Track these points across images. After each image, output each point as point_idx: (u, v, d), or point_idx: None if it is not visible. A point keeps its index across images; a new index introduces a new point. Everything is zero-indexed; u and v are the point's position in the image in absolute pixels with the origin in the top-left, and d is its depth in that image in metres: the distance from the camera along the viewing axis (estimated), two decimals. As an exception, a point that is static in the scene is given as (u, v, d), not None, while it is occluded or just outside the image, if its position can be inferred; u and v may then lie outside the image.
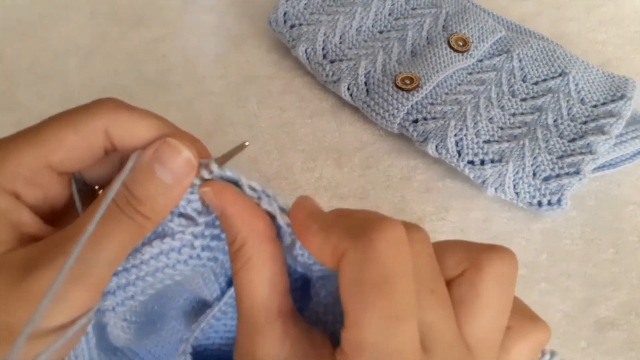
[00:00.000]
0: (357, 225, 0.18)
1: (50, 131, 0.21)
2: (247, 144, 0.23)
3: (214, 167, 0.21)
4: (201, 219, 0.21)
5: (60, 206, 0.23)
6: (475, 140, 0.38)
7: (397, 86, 0.39)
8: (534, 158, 0.37)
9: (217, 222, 0.22)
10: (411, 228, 0.18)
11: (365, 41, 0.43)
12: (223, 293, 0.23)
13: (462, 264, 0.19)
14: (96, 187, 0.23)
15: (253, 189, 0.20)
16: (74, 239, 0.19)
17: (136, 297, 0.22)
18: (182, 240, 0.21)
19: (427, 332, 0.17)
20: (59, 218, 0.23)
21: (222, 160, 0.22)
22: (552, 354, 0.21)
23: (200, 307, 0.24)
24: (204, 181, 0.21)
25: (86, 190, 0.23)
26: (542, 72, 0.41)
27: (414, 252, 0.18)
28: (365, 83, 0.40)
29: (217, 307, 0.23)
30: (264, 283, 0.19)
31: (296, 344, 0.19)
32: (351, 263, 0.17)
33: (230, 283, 0.23)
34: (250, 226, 0.20)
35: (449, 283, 0.19)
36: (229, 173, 0.21)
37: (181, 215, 0.21)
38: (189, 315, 0.24)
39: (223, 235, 0.22)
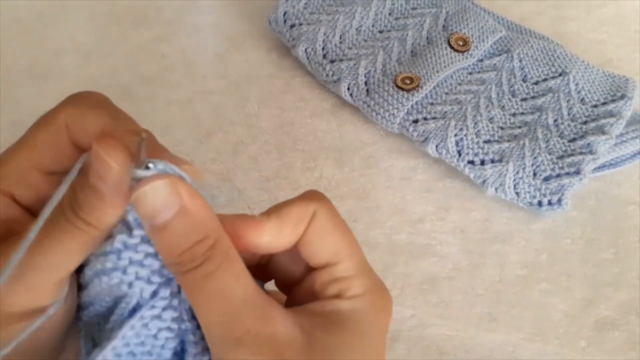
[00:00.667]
0: (305, 197, 0.22)
1: (29, 133, 0.22)
2: (144, 135, 0.20)
3: (152, 165, 0.19)
4: (136, 232, 0.20)
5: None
6: (476, 140, 0.38)
7: (397, 86, 0.39)
8: (534, 158, 0.37)
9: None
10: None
11: (366, 41, 0.43)
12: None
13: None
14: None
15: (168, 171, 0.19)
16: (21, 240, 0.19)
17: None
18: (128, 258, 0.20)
19: None
20: None
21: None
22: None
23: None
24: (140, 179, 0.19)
25: None
26: (542, 71, 0.41)
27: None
28: (366, 83, 0.40)
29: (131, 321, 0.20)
30: (246, 274, 0.20)
31: (289, 313, 0.21)
32: (327, 215, 0.22)
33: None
34: (216, 219, 0.19)
35: None
36: (159, 166, 0.19)
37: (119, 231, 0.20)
38: None
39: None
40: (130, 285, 0.20)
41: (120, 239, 0.20)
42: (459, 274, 0.35)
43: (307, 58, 0.42)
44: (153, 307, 0.20)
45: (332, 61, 0.41)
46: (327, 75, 0.41)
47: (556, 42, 0.43)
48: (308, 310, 0.21)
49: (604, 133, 0.37)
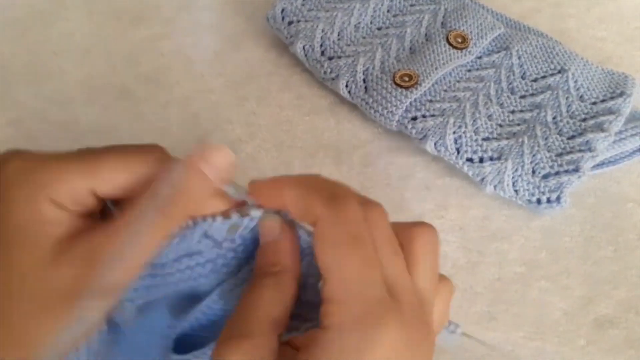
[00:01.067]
0: (328, 194, 0.22)
1: (105, 166, 0.23)
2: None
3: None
4: (225, 244, 0.24)
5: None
6: (474, 137, 0.37)
7: (395, 83, 0.39)
8: (533, 155, 0.37)
9: (239, 249, 0.24)
10: (370, 203, 0.23)
11: (364, 38, 0.43)
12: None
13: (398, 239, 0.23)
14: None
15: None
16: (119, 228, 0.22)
17: (151, 290, 0.24)
18: (208, 257, 0.24)
19: (393, 284, 0.21)
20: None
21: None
22: (456, 325, 0.25)
23: (188, 303, 0.25)
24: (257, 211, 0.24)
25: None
26: (541, 69, 0.41)
27: (374, 220, 0.22)
28: (364, 80, 0.40)
29: (206, 301, 0.24)
30: (283, 307, 0.22)
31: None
32: (328, 224, 0.21)
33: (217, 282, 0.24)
34: (296, 263, 0.23)
35: None
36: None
37: (206, 236, 0.23)
38: (175, 308, 0.25)
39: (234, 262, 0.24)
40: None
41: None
42: (458, 272, 0.35)
43: (305, 55, 0.41)
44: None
45: (330, 58, 0.41)
46: (325, 72, 0.41)
47: (555, 39, 0.43)
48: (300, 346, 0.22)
49: (603, 130, 0.37)
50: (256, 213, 0.23)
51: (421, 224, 0.24)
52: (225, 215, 0.23)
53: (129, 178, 0.23)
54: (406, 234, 0.23)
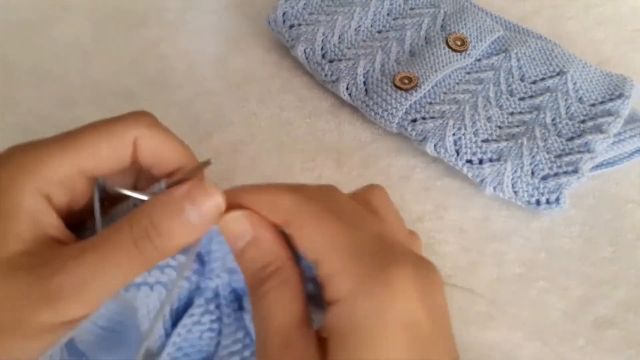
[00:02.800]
0: (290, 186, 0.22)
1: (87, 140, 0.22)
2: (212, 161, 0.23)
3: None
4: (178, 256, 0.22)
5: (80, 207, 0.23)
6: (474, 139, 0.38)
7: (395, 86, 0.40)
8: (533, 157, 0.37)
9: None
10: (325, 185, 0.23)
11: (364, 41, 0.43)
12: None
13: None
14: (120, 189, 0.23)
15: None
16: (86, 253, 0.20)
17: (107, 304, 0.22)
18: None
19: (392, 236, 0.21)
20: (77, 217, 0.23)
21: (189, 175, 0.22)
22: None
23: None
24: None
25: (105, 193, 0.23)
26: (540, 71, 0.41)
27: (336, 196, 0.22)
28: (364, 83, 0.41)
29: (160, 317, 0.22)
30: (300, 299, 0.21)
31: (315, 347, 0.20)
32: (299, 206, 0.21)
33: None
34: (286, 249, 0.21)
35: None
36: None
37: None
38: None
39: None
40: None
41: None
42: (457, 273, 0.35)
43: (306, 58, 0.42)
44: (192, 315, 0.22)
45: (330, 61, 0.41)
46: (326, 75, 0.41)
47: (554, 41, 0.43)
48: (327, 336, 0.20)
49: (601, 132, 0.37)
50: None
51: (369, 187, 0.25)
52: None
53: (115, 149, 0.22)
54: (361, 198, 0.23)
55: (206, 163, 0.23)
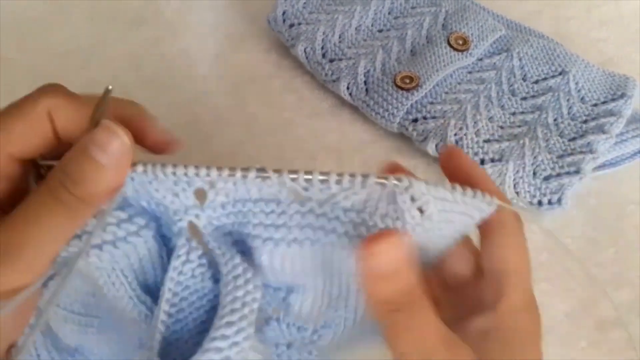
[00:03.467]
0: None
1: (1, 124, 0.22)
2: (110, 87, 0.23)
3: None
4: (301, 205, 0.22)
5: (21, 191, 0.23)
6: (475, 139, 0.38)
7: (396, 85, 0.39)
8: (534, 157, 0.37)
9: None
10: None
11: (365, 40, 0.43)
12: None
13: None
14: (43, 161, 0.23)
15: None
16: (12, 221, 0.20)
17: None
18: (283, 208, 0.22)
19: None
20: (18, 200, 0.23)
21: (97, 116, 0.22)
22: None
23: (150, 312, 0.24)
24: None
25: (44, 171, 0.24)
26: (542, 70, 0.41)
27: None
28: (365, 82, 0.40)
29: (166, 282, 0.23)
30: (438, 318, 0.22)
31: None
32: (514, 228, 0.25)
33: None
34: (413, 273, 0.22)
35: None
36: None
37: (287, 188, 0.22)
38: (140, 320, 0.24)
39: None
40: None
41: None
42: (458, 274, 0.35)
43: (307, 57, 0.42)
44: (179, 256, 0.22)
45: (331, 60, 0.41)
46: (326, 74, 0.41)
47: (556, 41, 0.43)
48: (476, 331, 0.23)
49: (604, 132, 0.37)
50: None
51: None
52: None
53: (30, 126, 0.22)
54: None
55: (106, 92, 0.23)
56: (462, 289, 0.25)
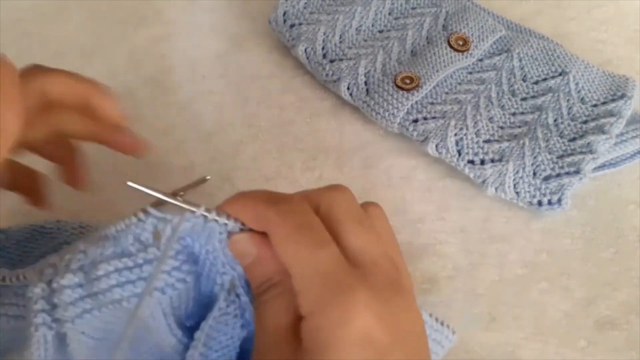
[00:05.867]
0: (270, 197, 0.23)
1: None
2: (207, 178, 0.25)
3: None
4: (150, 249, 0.23)
5: None
6: (475, 139, 0.38)
7: (397, 86, 0.39)
8: (534, 157, 0.37)
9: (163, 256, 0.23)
10: (326, 189, 0.24)
11: (365, 40, 0.43)
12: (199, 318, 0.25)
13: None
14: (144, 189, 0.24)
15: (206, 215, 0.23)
16: None
17: (93, 312, 0.23)
18: (135, 262, 0.23)
19: (355, 253, 0.22)
20: None
21: (183, 190, 0.24)
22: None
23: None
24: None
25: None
26: (542, 71, 0.41)
27: (329, 201, 0.23)
28: (365, 82, 0.40)
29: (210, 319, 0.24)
30: (292, 310, 0.22)
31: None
32: (276, 221, 0.22)
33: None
34: (281, 265, 0.23)
35: None
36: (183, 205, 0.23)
37: (138, 240, 0.23)
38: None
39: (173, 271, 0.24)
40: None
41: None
42: (459, 274, 0.35)
43: (307, 58, 0.42)
44: (220, 308, 0.25)
45: (331, 61, 0.41)
46: (327, 74, 0.41)
47: (556, 41, 0.43)
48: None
49: (603, 132, 0.37)
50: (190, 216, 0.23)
51: (365, 204, 0.25)
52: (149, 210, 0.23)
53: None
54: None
55: (202, 180, 0.25)
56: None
